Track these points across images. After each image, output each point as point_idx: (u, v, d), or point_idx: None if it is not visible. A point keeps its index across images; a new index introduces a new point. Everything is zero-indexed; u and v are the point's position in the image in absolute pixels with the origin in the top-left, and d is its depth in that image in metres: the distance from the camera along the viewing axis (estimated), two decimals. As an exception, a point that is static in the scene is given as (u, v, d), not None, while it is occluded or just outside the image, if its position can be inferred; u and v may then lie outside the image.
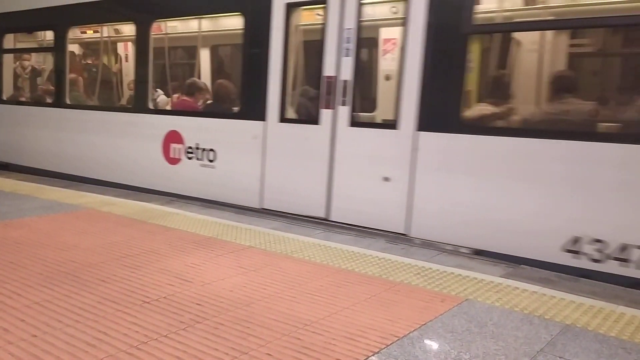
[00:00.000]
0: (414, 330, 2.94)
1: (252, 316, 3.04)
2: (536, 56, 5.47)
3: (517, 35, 5.57)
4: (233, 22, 6.74)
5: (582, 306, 3.41)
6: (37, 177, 8.07)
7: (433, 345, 2.79)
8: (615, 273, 4.06)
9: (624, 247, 4.03)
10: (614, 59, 5.24)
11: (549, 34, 5.42)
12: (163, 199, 6.66)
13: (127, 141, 7.53)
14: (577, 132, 4.36)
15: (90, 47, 9.48)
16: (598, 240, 4.13)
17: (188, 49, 8.28)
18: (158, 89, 7.95)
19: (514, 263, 4.43)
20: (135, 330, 2.79)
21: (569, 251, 4.26)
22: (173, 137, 6.98)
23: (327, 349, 2.67)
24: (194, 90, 7.24)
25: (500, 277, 4.00)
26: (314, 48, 5.78)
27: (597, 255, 4.14)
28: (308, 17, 6.10)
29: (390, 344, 2.76)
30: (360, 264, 4.15)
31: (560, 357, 2.69)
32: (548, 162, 4.34)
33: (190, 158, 6.78)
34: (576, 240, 4.23)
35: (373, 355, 2.63)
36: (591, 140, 4.20)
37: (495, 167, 4.59)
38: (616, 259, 4.06)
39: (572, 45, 5.46)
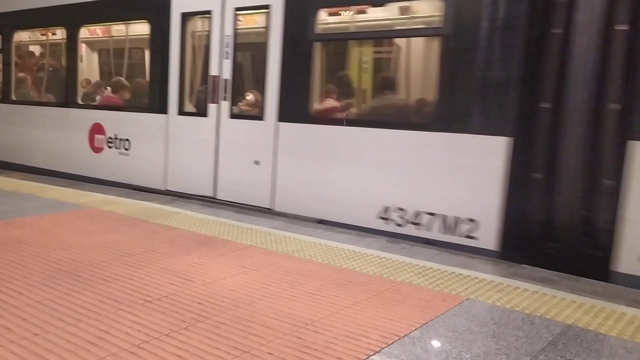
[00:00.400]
0: (415, 330, 2.94)
1: (253, 315, 3.04)
2: (351, 60, 6.50)
3: (348, 42, 6.56)
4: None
5: (583, 306, 3.42)
6: (39, 177, 8.09)
7: (434, 344, 2.79)
8: (411, 234, 5.09)
9: (417, 214, 5.08)
10: (403, 62, 6.38)
11: (368, 42, 6.58)
12: (164, 198, 6.66)
13: (61, 133, 8.47)
14: (388, 122, 5.42)
15: (44, 48, 10.11)
16: (401, 209, 5.18)
17: (129, 50, 9.00)
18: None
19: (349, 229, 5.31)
20: (137, 329, 2.80)
21: (382, 218, 5.28)
22: (97, 129, 7.96)
23: (329, 348, 2.68)
24: (118, 87, 8.17)
25: (501, 276, 4.01)
26: (204, 51, 6.82)
27: (400, 221, 5.18)
28: (200, 25, 6.98)
29: (392, 343, 2.77)
30: (361, 263, 4.15)
31: (561, 357, 2.70)
32: (368, 146, 5.40)
33: (110, 147, 7.78)
34: (386, 210, 5.26)
35: (374, 354, 2.64)
36: (396, 129, 5.28)
37: (333, 151, 5.62)
38: (412, 223, 5.11)
39: (379, 52, 6.72)
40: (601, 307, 3.40)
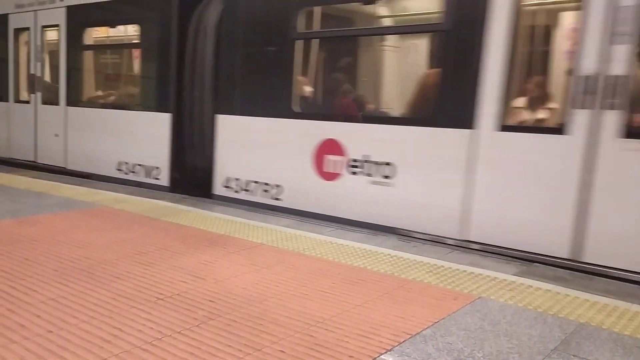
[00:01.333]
0: (426, 328, 2.93)
1: (264, 313, 3.05)
2: (104, 62, 9.48)
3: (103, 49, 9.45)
4: None
5: (596, 305, 3.39)
6: (51, 175, 8.18)
7: (446, 343, 2.78)
8: (132, 179, 7.65)
9: (134, 165, 7.68)
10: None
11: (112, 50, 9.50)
12: (175, 196, 6.70)
13: None
14: (118, 105, 8.40)
15: None
16: (126, 162, 7.79)
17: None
18: None
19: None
20: (149, 326, 2.82)
21: (118, 170, 7.88)
22: None
23: (340, 346, 2.68)
24: None
25: (514, 275, 3.99)
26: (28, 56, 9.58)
27: (126, 170, 7.77)
28: (25, 37, 9.67)
29: (403, 341, 2.77)
30: (372, 261, 4.15)
31: (574, 356, 2.68)
32: (110, 121, 8.00)
33: None
34: (119, 163, 7.87)
35: (385, 352, 2.64)
36: (121, 110, 8.08)
37: (95, 125, 8.24)
38: (132, 172, 7.69)
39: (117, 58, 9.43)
40: (614, 306, 3.37)
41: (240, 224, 5.22)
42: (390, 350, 2.66)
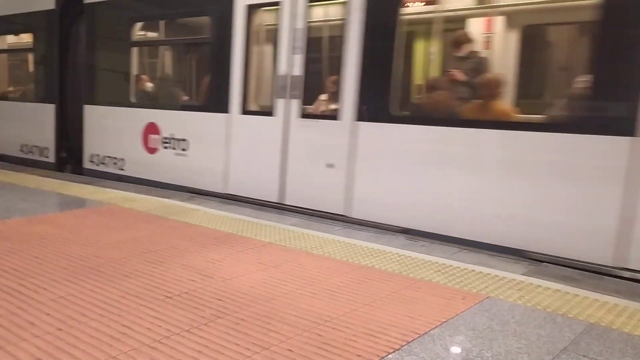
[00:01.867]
0: (434, 328, 2.92)
1: (272, 312, 3.05)
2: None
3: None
4: None
5: (606, 305, 3.37)
6: (60, 174, 8.25)
7: (454, 342, 2.78)
8: (30, 158, 9.35)
9: (31, 147, 9.41)
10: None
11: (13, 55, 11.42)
12: (183, 195, 6.72)
13: None
14: (25, 99, 10.05)
15: None
16: (26, 145, 9.47)
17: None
18: None
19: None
20: (158, 324, 2.83)
21: (21, 150, 9.58)
22: None
23: (348, 345, 2.68)
24: None
25: (522, 274, 3.97)
26: None
27: (26, 150, 9.47)
28: None
29: (411, 341, 2.76)
30: (380, 260, 4.14)
31: (584, 356, 2.66)
32: (17, 111, 9.86)
33: None
34: (22, 145, 9.57)
35: (394, 352, 2.63)
36: (28, 102, 9.75)
37: (4, 114, 10.01)
38: (30, 152, 9.46)
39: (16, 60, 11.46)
40: (624, 306, 3.35)
41: (248, 222, 5.23)
42: (398, 349, 2.66)
